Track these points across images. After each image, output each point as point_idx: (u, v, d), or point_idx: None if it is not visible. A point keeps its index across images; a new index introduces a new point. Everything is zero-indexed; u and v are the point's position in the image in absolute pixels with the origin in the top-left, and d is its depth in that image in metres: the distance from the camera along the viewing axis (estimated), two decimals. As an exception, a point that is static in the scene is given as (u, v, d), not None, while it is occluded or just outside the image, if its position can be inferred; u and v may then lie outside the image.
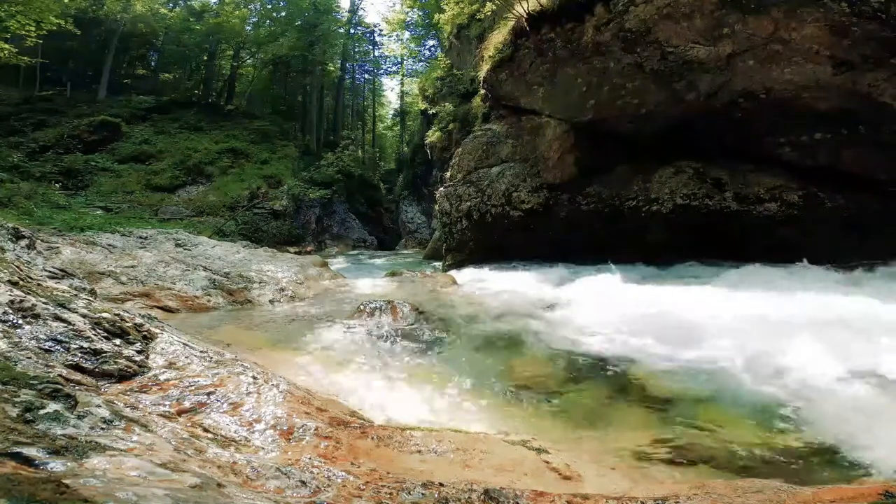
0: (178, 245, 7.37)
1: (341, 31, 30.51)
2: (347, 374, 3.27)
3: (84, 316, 2.05)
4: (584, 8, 7.24)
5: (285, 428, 1.82)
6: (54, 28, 15.19)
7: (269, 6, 28.53)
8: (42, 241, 5.46)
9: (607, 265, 7.24)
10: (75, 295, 2.31)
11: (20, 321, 1.80)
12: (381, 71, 37.91)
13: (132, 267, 5.68)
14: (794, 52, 6.01)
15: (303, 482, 1.38)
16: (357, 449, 1.82)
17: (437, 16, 14.70)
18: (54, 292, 2.25)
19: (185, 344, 2.32)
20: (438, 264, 11.39)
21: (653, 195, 7.86)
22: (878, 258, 5.91)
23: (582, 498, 1.54)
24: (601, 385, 3.23)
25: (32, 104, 20.13)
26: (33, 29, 14.41)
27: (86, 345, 1.88)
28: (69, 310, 2.05)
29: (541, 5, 7.92)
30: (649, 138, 8.01)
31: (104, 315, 2.14)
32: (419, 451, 1.92)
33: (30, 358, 1.59)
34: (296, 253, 11.98)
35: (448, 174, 10.94)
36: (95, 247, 6.20)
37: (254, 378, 2.15)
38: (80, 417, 1.34)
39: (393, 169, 32.98)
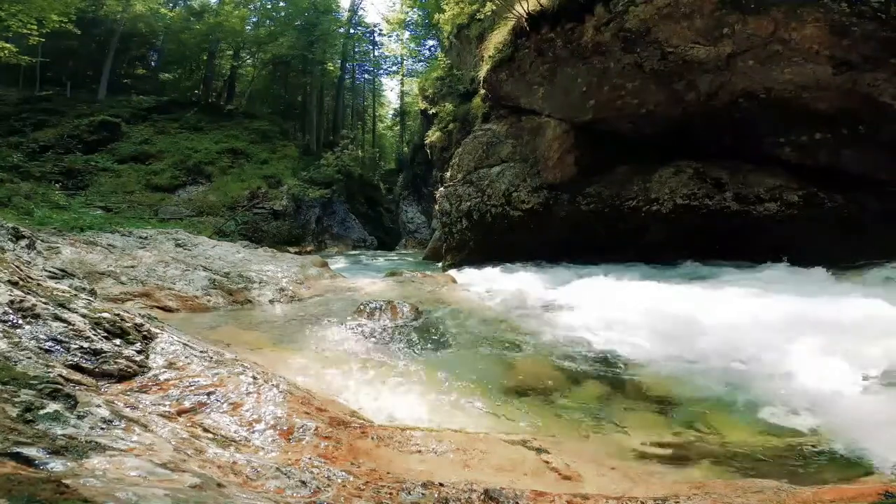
0: (178, 245, 7.36)
1: (341, 30, 30.48)
2: (347, 374, 3.27)
3: (84, 316, 2.05)
4: (584, 8, 7.24)
5: (285, 428, 1.82)
6: (56, 27, 15.20)
7: (269, 6, 28.53)
8: (42, 241, 5.45)
9: (607, 265, 7.24)
10: (75, 295, 2.31)
11: (20, 321, 1.80)
12: (381, 71, 37.91)
13: (132, 267, 5.67)
14: (794, 52, 6.00)
15: (303, 482, 1.38)
16: (357, 449, 1.82)
17: (436, 16, 14.67)
18: (54, 292, 2.24)
19: (185, 344, 2.31)
20: (438, 264, 11.38)
21: (653, 195, 7.86)
22: (879, 258, 5.90)
23: (582, 498, 1.54)
24: (601, 385, 3.23)
25: (32, 104, 20.10)
26: (35, 28, 14.42)
27: (86, 345, 1.87)
28: (69, 310, 2.04)
29: (541, 5, 7.93)
30: (649, 138, 8.01)
31: (104, 315, 2.14)
32: (419, 451, 1.92)
33: (30, 358, 1.59)
34: (296, 253, 11.96)
35: (448, 174, 10.95)
36: (95, 247, 6.19)
37: (254, 378, 2.14)
38: (80, 417, 1.34)
39: (393, 169, 32.97)
